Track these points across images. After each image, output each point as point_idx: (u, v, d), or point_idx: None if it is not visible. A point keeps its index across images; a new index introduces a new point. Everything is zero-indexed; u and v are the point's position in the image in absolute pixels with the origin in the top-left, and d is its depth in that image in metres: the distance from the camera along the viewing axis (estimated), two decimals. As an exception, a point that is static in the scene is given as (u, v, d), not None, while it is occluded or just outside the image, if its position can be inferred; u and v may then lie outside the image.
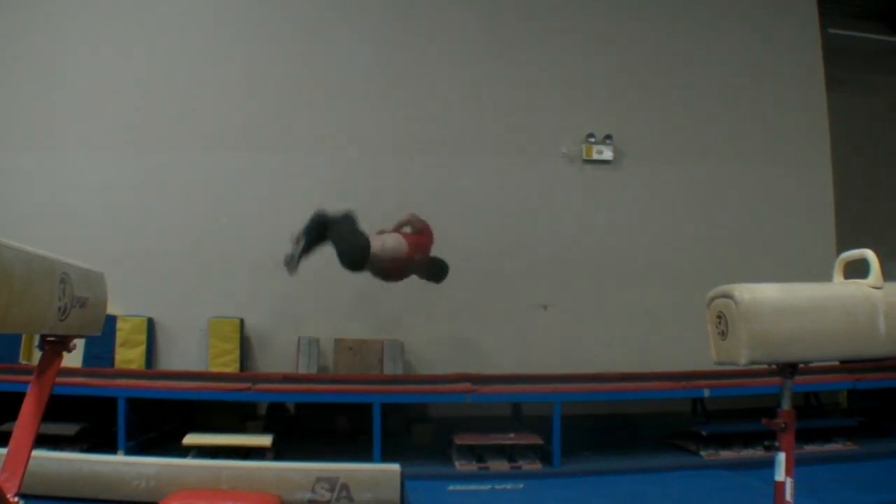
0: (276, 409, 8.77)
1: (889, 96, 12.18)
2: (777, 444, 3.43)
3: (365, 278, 9.57)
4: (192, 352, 9.34)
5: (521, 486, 6.35)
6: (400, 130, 9.97)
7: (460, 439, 7.17)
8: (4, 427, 6.32)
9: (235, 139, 9.69)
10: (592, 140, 10.15)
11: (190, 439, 6.82)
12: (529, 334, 9.76)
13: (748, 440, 7.41)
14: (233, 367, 9.13)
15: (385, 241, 7.48)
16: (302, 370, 9.13)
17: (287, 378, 8.61)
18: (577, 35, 10.40)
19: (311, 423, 8.62)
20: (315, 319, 9.44)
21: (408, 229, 7.85)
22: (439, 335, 9.68)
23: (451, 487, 6.20)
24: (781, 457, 3.39)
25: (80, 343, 3.41)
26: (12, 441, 3.03)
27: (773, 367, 3.47)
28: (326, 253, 9.51)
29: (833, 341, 3.36)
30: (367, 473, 5.70)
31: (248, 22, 9.97)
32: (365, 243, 7.31)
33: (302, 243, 7.52)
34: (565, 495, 6.11)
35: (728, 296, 3.34)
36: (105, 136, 9.49)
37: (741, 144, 10.48)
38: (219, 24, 9.92)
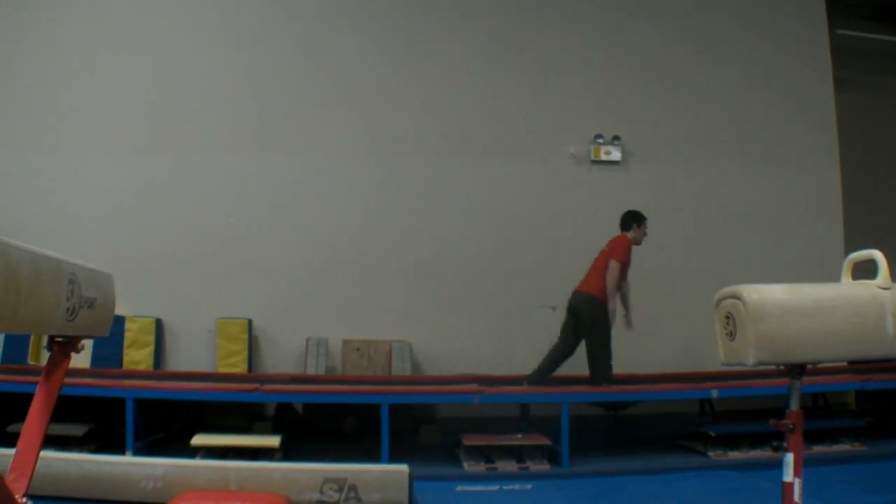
0: (285, 409, 8.78)
1: (898, 97, 12.16)
2: (785, 444, 3.42)
3: (372, 278, 9.63)
4: (201, 352, 9.36)
5: (529, 486, 6.34)
6: (408, 132, 9.98)
7: (468, 440, 7.17)
8: (13, 428, 6.34)
9: (243, 140, 9.72)
10: (600, 141, 10.16)
11: (198, 440, 6.82)
12: (538, 335, 9.72)
13: (756, 441, 7.40)
14: (241, 368, 9.15)
15: None
16: (310, 371, 9.15)
17: (295, 379, 8.63)
18: (585, 36, 10.40)
19: (320, 423, 8.62)
20: (323, 320, 9.45)
21: None
22: (447, 336, 9.67)
23: (459, 488, 6.20)
24: (789, 457, 3.38)
25: (88, 344, 3.40)
26: (20, 442, 3.03)
27: (781, 367, 3.45)
28: (330, 253, 9.57)
29: (841, 342, 3.35)
30: (375, 474, 5.69)
31: (254, 23, 9.99)
32: None
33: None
34: (573, 496, 6.10)
35: (736, 296, 3.33)
36: (112, 138, 9.52)
37: (749, 145, 10.47)
38: (225, 24, 9.95)
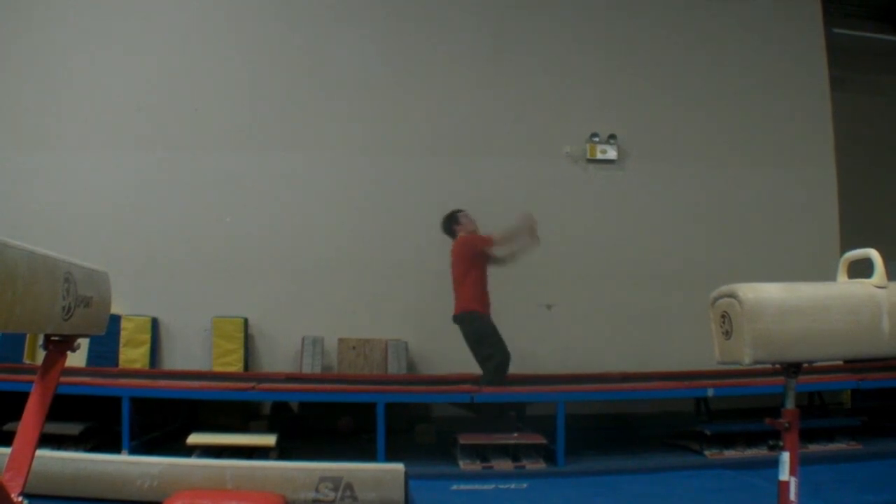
0: (280, 408, 8.77)
1: (893, 96, 12.15)
2: (781, 443, 3.42)
3: (367, 277, 9.61)
4: (196, 351, 9.35)
5: (524, 485, 6.34)
6: (403, 131, 9.97)
7: (464, 439, 7.16)
8: (8, 426, 6.34)
9: (240, 139, 9.70)
10: (596, 140, 10.15)
11: (194, 439, 6.81)
12: (533, 334, 9.73)
13: (752, 440, 7.39)
14: (236, 367, 9.14)
15: None
16: (306, 369, 9.14)
17: (291, 377, 8.63)
18: (581, 34, 10.39)
19: (315, 422, 8.62)
20: (319, 319, 9.43)
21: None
22: (443, 335, 9.66)
23: (454, 487, 6.21)
24: (785, 456, 3.38)
25: (84, 342, 3.40)
26: (16, 440, 3.03)
27: (777, 366, 3.45)
28: (326, 252, 9.55)
29: (837, 341, 3.35)
30: (371, 473, 5.67)
31: (251, 22, 9.98)
32: None
33: None
34: (569, 495, 6.10)
35: (732, 295, 3.33)
36: (108, 136, 9.51)
37: (745, 144, 10.46)
38: (222, 23, 9.93)
